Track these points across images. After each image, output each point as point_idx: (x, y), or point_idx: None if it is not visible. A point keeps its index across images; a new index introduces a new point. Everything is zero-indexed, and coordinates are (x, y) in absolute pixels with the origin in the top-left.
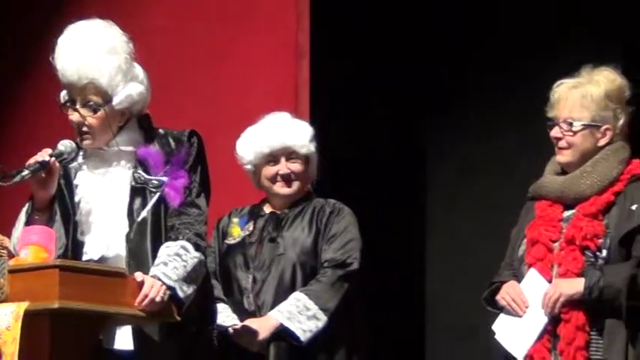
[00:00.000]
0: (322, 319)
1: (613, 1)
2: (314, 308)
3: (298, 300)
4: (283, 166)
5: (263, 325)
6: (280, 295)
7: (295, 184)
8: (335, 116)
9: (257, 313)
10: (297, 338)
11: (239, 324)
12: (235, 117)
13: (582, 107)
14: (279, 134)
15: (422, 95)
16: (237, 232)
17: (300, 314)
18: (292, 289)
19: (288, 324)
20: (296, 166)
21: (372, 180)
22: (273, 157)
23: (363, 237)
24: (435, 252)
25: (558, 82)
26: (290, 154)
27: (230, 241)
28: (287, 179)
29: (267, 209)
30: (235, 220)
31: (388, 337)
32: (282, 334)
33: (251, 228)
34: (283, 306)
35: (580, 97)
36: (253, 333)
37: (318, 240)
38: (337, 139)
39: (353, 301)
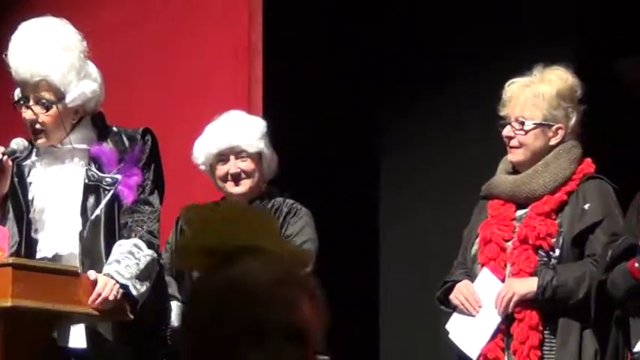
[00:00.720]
0: None
1: None
2: None
3: None
4: (233, 165)
5: None
6: None
7: (246, 183)
8: (289, 113)
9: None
10: None
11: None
12: (190, 115)
13: (534, 106)
14: (227, 134)
15: (376, 91)
16: None
17: None
18: None
19: None
20: (246, 165)
21: (326, 176)
22: (223, 157)
23: (318, 234)
24: (388, 250)
25: (510, 81)
26: (239, 152)
27: None
28: (237, 178)
29: None
30: None
31: (342, 335)
32: None
33: None
34: None
35: (532, 96)
36: None
37: None
38: (291, 135)
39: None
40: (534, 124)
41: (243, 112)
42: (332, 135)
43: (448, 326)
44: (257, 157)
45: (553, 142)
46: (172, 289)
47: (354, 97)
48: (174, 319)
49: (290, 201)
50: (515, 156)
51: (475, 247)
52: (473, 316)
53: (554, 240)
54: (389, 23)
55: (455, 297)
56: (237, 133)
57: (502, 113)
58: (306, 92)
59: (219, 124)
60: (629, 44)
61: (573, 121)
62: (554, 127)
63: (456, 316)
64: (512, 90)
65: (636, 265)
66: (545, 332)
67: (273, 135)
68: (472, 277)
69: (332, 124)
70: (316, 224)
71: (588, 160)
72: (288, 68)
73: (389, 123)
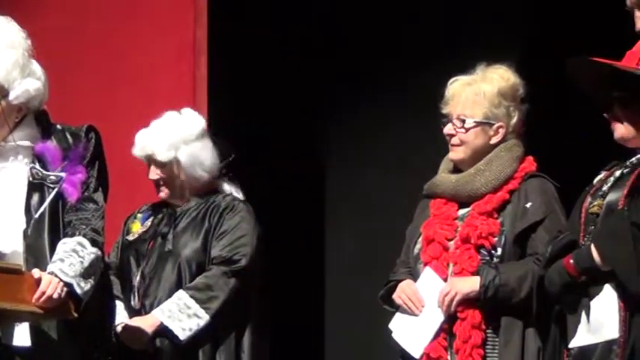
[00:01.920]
0: (204, 318)
1: None
2: (195, 307)
3: (180, 298)
4: (151, 172)
5: (145, 324)
6: (167, 293)
7: (165, 190)
8: (233, 111)
9: (142, 311)
10: (176, 337)
11: (124, 322)
12: (135, 114)
13: (475, 104)
14: (140, 142)
15: (320, 91)
16: (136, 227)
17: (181, 312)
18: (179, 286)
19: (168, 322)
20: (160, 173)
21: (270, 174)
22: (147, 162)
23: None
24: (333, 249)
25: (453, 79)
26: (153, 161)
27: (129, 237)
28: (156, 185)
29: (173, 205)
30: (139, 215)
31: (287, 332)
32: (163, 332)
33: (149, 224)
34: (166, 304)
35: (473, 94)
36: (135, 331)
37: (209, 237)
38: (235, 133)
39: (245, 298)
40: (475, 122)
41: (189, 109)
42: (276, 133)
43: (391, 325)
44: (171, 165)
45: (494, 140)
46: (116, 288)
47: (298, 96)
48: (119, 318)
49: (230, 197)
50: (455, 154)
51: (418, 247)
52: (416, 315)
53: (496, 239)
54: (332, 22)
55: (398, 296)
56: (148, 143)
57: (444, 111)
58: (250, 90)
59: (142, 131)
60: (571, 44)
61: (515, 120)
62: (495, 125)
63: (398, 316)
64: (454, 88)
65: (571, 261)
66: (488, 331)
67: (218, 132)
68: (415, 276)
69: (276, 123)
70: (260, 222)
71: (530, 158)
72: (232, 67)
73: (333, 122)
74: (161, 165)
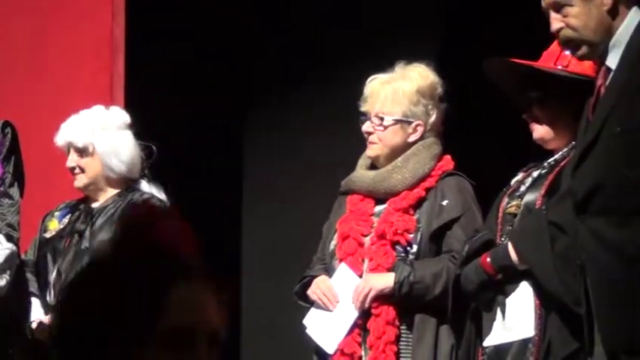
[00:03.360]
0: None
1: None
2: None
3: None
4: (69, 160)
5: None
6: None
7: (81, 178)
8: (151, 109)
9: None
10: None
11: (40, 319)
12: (52, 111)
13: (394, 102)
14: (62, 129)
15: (240, 88)
16: (53, 225)
17: None
18: None
19: None
20: (76, 160)
21: (189, 172)
22: (67, 151)
23: None
24: (249, 244)
25: (372, 77)
26: (72, 147)
27: (46, 234)
28: (73, 173)
29: (91, 202)
30: (56, 213)
31: None
32: None
33: (66, 222)
34: None
35: (392, 92)
36: (49, 328)
37: None
38: (153, 131)
39: None
40: (393, 120)
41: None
42: (195, 131)
43: (306, 321)
44: (88, 151)
45: (412, 138)
46: (32, 286)
47: (217, 94)
48: (34, 315)
49: (148, 194)
50: (373, 151)
51: (334, 243)
52: (330, 311)
53: (412, 236)
54: (253, 19)
55: (312, 292)
56: (69, 129)
57: (363, 109)
58: (168, 88)
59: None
60: (490, 43)
61: (433, 118)
62: (414, 123)
63: (313, 311)
64: (372, 86)
65: (488, 260)
66: (402, 327)
67: (136, 131)
68: (330, 272)
69: (195, 121)
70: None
71: (447, 157)
72: (150, 64)
73: (253, 119)
74: (79, 151)
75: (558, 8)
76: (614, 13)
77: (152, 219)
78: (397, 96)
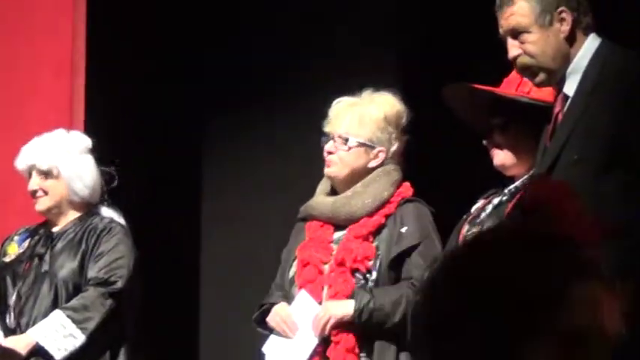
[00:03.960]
0: (80, 338)
1: (388, 18)
2: (71, 327)
3: (56, 318)
4: (31, 183)
5: (19, 344)
6: (43, 313)
7: (44, 201)
8: (111, 132)
9: (18, 330)
10: (52, 357)
11: None
12: (10, 135)
13: (360, 125)
14: (24, 153)
15: (201, 110)
16: (13, 249)
17: (57, 332)
18: (55, 307)
19: (43, 342)
20: (39, 183)
21: (148, 194)
22: (29, 175)
23: (141, 251)
24: (208, 271)
25: (338, 100)
26: (35, 169)
27: (6, 258)
28: (35, 196)
29: (51, 226)
30: (16, 238)
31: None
32: (38, 352)
33: (25, 246)
34: (41, 324)
35: (359, 115)
36: (10, 351)
37: (86, 258)
38: (113, 154)
39: (120, 319)
40: (358, 142)
41: (64, 130)
42: (155, 154)
43: (265, 349)
44: (52, 174)
45: (372, 164)
46: None
47: (177, 117)
48: None
49: (107, 219)
50: (332, 170)
51: (293, 270)
52: (290, 338)
53: (371, 263)
54: (212, 40)
55: (272, 319)
56: (31, 152)
57: (326, 129)
58: (128, 113)
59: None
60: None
61: (395, 147)
62: (376, 149)
63: (272, 339)
64: (339, 108)
65: None
66: (362, 355)
67: (97, 156)
68: (290, 299)
69: (155, 144)
70: (137, 241)
71: (407, 183)
72: (110, 89)
73: (211, 144)
74: (42, 173)
75: (516, 35)
76: (571, 40)
77: (560, 202)
78: (364, 120)
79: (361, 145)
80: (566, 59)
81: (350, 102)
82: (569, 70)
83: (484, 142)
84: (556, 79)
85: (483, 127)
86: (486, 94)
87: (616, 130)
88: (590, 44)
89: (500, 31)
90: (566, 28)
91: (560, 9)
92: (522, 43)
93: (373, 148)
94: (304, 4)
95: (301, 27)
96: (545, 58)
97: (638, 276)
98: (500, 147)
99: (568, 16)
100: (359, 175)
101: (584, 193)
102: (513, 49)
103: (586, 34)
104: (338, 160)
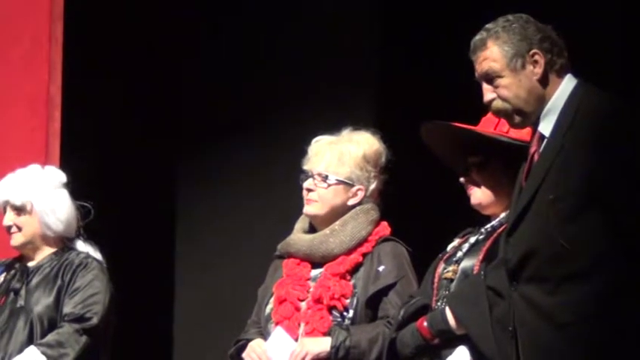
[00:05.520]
0: None
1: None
2: None
3: (31, 354)
4: (6, 218)
5: None
6: (18, 349)
7: (17, 237)
8: (86, 167)
9: None
10: None
11: None
12: None
13: (340, 163)
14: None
15: (176, 145)
16: None
17: None
18: (30, 342)
19: None
20: (12, 218)
21: (121, 233)
22: (4, 210)
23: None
24: (183, 307)
25: (317, 138)
26: (9, 205)
27: None
28: (9, 232)
29: (27, 261)
30: None
31: None
32: None
33: (1, 280)
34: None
35: (339, 153)
36: None
37: (62, 294)
38: (89, 190)
39: (95, 355)
40: (337, 180)
41: (39, 165)
42: (131, 188)
43: None
44: (26, 209)
45: (351, 202)
46: None
47: (153, 151)
48: None
49: (83, 254)
50: (312, 209)
51: (270, 306)
52: None
53: (348, 301)
54: (190, 73)
55: (247, 355)
56: (5, 187)
57: (305, 167)
58: (104, 147)
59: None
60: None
61: (373, 186)
62: (355, 188)
63: None
64: (318, 146)
65: (425, 324)
66: None
67: (71, 189)
68: (266, 335)
69: (131, 178)
70: (111, 277)
71: (384, 223)
72: (86, 122)
73: (187, 179)
74: (16, 209)
75: (490, 79)
76: (545, 81)
77: None
78: (344, 158)
79: (340, 182)
80: (541, 101)
81: (329, 140)
82: (546, 110)
83: (461, 180)
84: (532, 120)
85: (461, 165)
86: (467, 133)
87: (590, 171)
88: (566, 85)
89: (476, 74)
90: (539, 70)
91: (532, 51)
92: (496, 87)
93: (352, 186)
94: (284, 41)
95: (279, 63)
96: (518, 101)
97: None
98: (478, 185)
99: (541, 59)
100: (337, 212)
101: (559, 232)
102: (488, 93)
103: (561, 76)
104: (317, 198)
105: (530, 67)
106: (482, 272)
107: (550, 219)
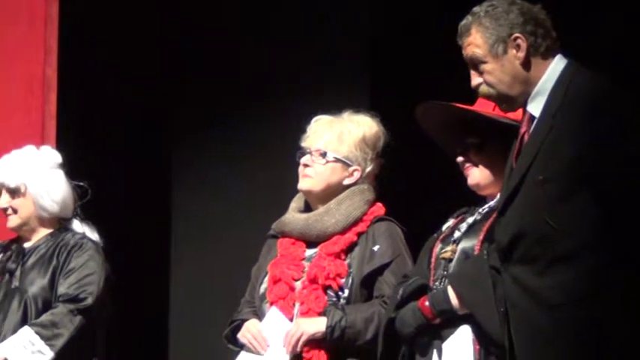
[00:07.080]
0: (48, 354)
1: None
2: (39, 343)
3: (24, 334)
4: (1, 200)
5: None
6: (12, 329)
7: (13, 219)
8: (83, 149)
9: None
10: None
11: None
12: None
13: (339, 141)
14: None
15: (171, 127)
16: None
17: (25, 348)
18: (25, 323)
19: (11, 358)
20: (8, 200)
21: (118, 211)
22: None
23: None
24: (177, 287)
25: (318, 117)
26: (4, 187)
27: None
28: (6, 213)
29: (23, 242)
30: None
31: None
32: None
33: None
34: (10, 340)
35: (339, 132)
36: None
37: (56, 274)
38: (83, 171)
39: (90, 336)
40: (335, 157)
41: (34, 147)
42: (125, 170)
43: None
44: (20, 191)
45: (347, 181)
46: None
47: (148, 134)
48: None
49: (79, 235)
50: (306, 183)
51: (264, 286)
52: (260, 354)
53: (343, 280)
54: (184, 62)
55: (242, 335)
56: (0, 169)
57: (303, 144)
58: (100, 128)
59: None
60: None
61: (370, 168)
62: (352, 168)
63: (243, 355)
64: (318, 124)
65: (427, 303)
66: None
67: (67, 170)
68: (261, 315)
69: (126, 160)
70: (107, 258)
71: (379, 204)
72: (82, 104)
73: (185, 155)
74: (11, 191)
75: (475, 65)
76: (528, 65)
77: None
78: (344, 137)
79: (338, 160)
80: (527, 84)
81: (329, 119)
82: (535, 91)
83: (458, 160)
84: (519, 104)
85: (455, 146)
86: (467, 113)
87: (580, 151)
88: (555, 65)
89: (465, 59)
90: (521, 54)
91: (514, 35)
92: (481, 73)
93: (349, 165)
94: (275, 27)
95: (270, 49)
96: (503, 86)
97: (612, 289)
98: (476, 165)
99: (523, 42)
100: (333, 191)
101: (549, 213)
102: (475, 78)
103: (547, 57)
104: (313, 174)
105: (512, 52)
106: (484, 252)
107: (539, 200)
